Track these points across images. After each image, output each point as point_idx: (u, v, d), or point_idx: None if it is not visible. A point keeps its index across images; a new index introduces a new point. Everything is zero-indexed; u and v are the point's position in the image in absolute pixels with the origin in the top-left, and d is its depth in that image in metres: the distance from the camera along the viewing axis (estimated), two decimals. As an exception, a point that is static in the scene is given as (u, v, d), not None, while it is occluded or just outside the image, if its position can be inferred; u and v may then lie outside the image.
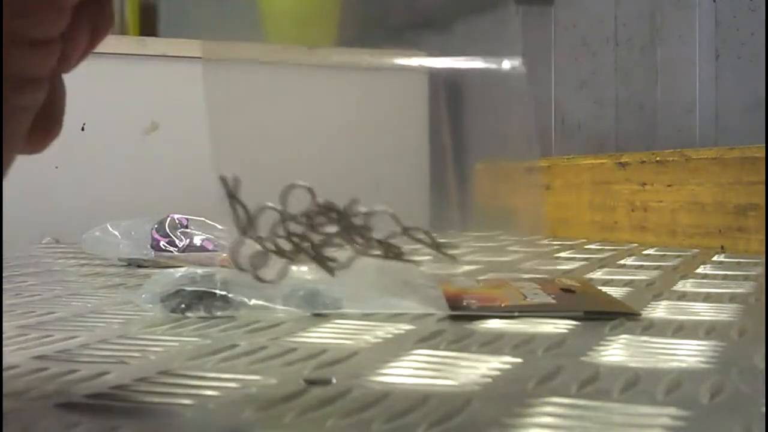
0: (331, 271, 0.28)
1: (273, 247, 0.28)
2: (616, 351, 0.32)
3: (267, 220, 0.27)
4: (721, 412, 0.24)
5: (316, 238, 0.28)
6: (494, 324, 0.38)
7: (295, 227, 0.27)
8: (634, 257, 0.73)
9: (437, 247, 0.28)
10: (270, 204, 0.27)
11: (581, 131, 1.14)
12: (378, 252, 0.28)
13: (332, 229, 0.27)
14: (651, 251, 0.79)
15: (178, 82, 1.16)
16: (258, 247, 0.28)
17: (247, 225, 0.27)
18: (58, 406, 0.24)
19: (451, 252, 0.28)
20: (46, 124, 0.24)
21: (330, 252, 0.28)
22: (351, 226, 0.27)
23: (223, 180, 0.27)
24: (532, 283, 0.48)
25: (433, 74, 1.37)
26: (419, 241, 0.28)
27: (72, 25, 0.22)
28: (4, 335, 0.36)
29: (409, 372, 0.29)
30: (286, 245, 0.28)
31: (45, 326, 0.38)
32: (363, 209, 0.27)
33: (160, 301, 0.40)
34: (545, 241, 0.94)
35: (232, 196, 0.27)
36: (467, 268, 0.64)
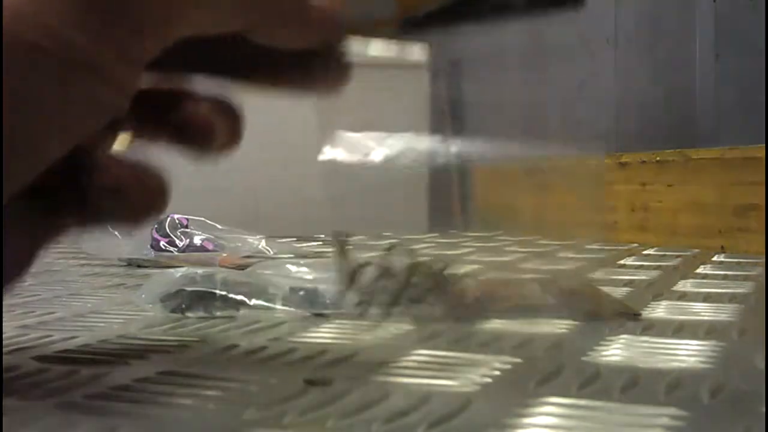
0: (419, 324, 0.31)
1: (372, 298, 0.31)
2: (616, 351, 0.32)
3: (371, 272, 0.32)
4: (721, 412, 0.24)
5: (410, 293, 0.31)
6: (494, 324, 0.38)
7: (393, 281, 0.31)
8: (634, 257, 0.73)
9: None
10: (372, 260, 0.31)
11: (581, 131, 1.14)
12: (459, 312, 0.31)
13: (425, 287, 0.31)
14: (651, 251, 0.79)
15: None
16: (359, 296, 0.31)
17: (351, 276, 0.31)
18: (58, 406, 0.24)
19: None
20: None
21: (421, 307, 0.32)
22: (441, 287, 0.31)
23: (335, 234, 0.31)
24: (532, 283, 0.48)
25: (434, 70, 1.37)
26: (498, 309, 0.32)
27: None
28: (4, 335, 0.36)
29: (409, 372, 0.29)
30: (383, 297, 0.31)
31: (45, 326, 0.38)
32: (452, 272, 0.31)
33: (160, 301, 0.40)
34: (545, 241, 0.94)
35: (341, 252, 0.31)
36: (467, 268, 0.64)
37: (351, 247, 0.30)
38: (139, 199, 0.25)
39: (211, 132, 0.25)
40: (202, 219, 0.71)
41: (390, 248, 0.31)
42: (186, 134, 0.26)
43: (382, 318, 0.31)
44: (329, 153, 0.30)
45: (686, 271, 0.61)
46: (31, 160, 0.22)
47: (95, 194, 0.25)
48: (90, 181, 0.24)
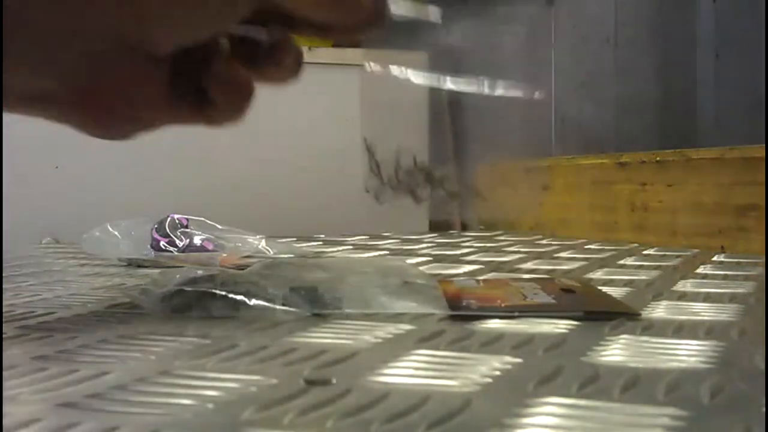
0: (419, 201, 0.45)
1: (388, 184, 0.45)
2: (616, 351, 0.32)
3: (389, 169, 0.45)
4: (721, 412, 0.24)
5: (412, 182, 0.45)
6: (494, 324, 0.38)
7: (403, 175, 0.45)
8: (634, 257, 0.73)
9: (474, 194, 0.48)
10: (388, 160, 0.45)
11: (581, 131, 1.14)
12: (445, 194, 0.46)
13: (422, 179, 0.46)
14: (651, 251, 0.79)
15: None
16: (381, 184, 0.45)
17: (376, 170, 0.45)
18: (58, 406, 0.24)
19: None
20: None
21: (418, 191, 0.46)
22: (433, 179, 0.45)
23: (365, 140, 0.44)
24: (532, 283, 0.48)
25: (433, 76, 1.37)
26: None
27: None
28: (4, 335, 0.36)
29: (409, 372, 0.29)
30: (396, 185, 0.45)
31: (45, 326, 0.38)
32: (443, 170, 0.46)
33: (160, 301, 0.40)
34: (545, 241, 0.94)
35: (371, 151, 0.44)
36: (467, 268, 0.64)
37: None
38: (244, 94, 0.34)
39: (284, 52, 0.35)
40: (202, 219, 0.71)
41: (398, 151, 0.45)
42: (268, 54, 0.35)
43: (395, 199, 0.45)
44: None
45: (686, 271, 0.61)
46: (211, 21, 0.31)
47: (210, 85, 0.34)
48: (208, 75, 0.34)
